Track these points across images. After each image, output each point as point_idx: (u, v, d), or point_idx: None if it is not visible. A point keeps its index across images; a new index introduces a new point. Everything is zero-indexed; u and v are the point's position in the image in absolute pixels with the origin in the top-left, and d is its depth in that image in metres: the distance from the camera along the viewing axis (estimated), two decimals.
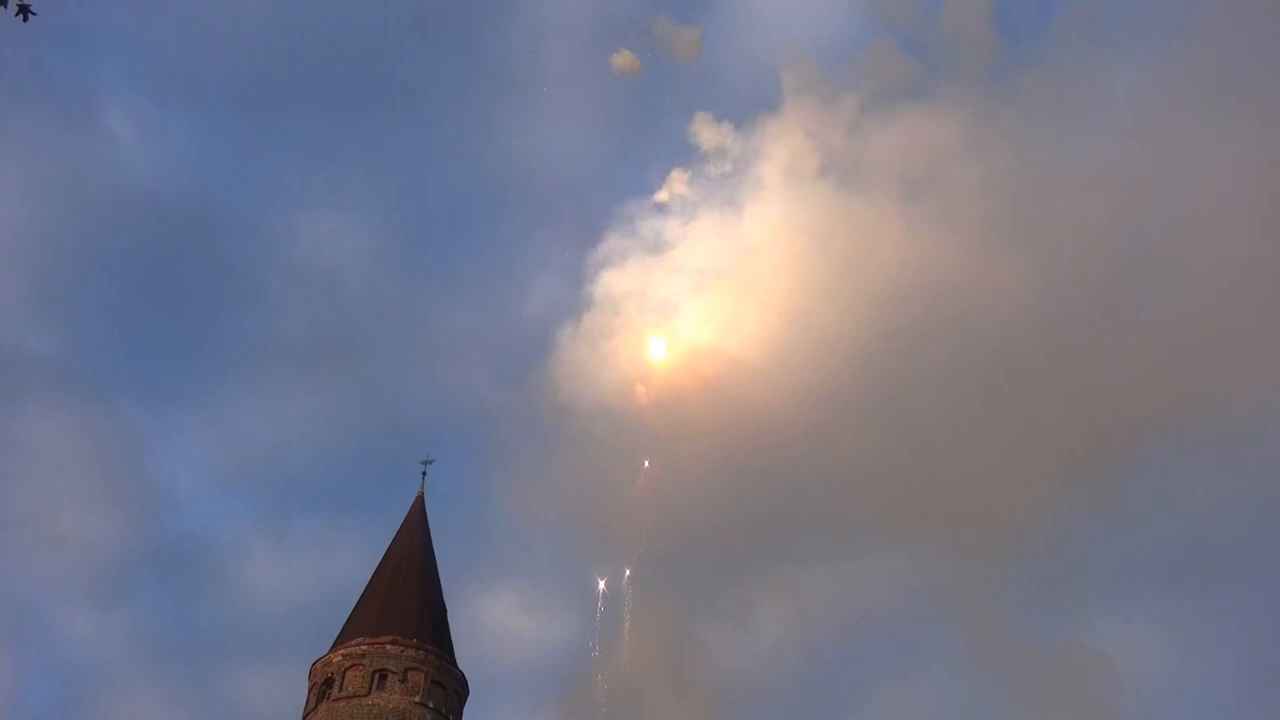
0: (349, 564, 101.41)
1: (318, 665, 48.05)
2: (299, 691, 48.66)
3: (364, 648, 47.25)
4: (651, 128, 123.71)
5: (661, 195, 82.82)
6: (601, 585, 64.88)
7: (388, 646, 47.26)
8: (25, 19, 24.21)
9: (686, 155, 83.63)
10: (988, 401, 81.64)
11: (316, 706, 46.71)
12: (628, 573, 70.22)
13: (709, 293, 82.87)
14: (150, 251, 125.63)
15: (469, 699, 49.74)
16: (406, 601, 50.02)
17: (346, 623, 49.81)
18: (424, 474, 55.23)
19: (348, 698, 46.21)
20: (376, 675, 46.64)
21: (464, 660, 50.53)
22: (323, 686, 47.13)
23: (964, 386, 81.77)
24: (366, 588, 51.48)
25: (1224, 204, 78.67)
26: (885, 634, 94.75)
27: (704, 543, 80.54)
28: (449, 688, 48.33)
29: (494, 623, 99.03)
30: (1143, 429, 79.44)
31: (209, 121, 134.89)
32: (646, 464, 70.37)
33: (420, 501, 54.68)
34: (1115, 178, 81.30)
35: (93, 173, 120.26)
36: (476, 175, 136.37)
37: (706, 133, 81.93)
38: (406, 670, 47.02)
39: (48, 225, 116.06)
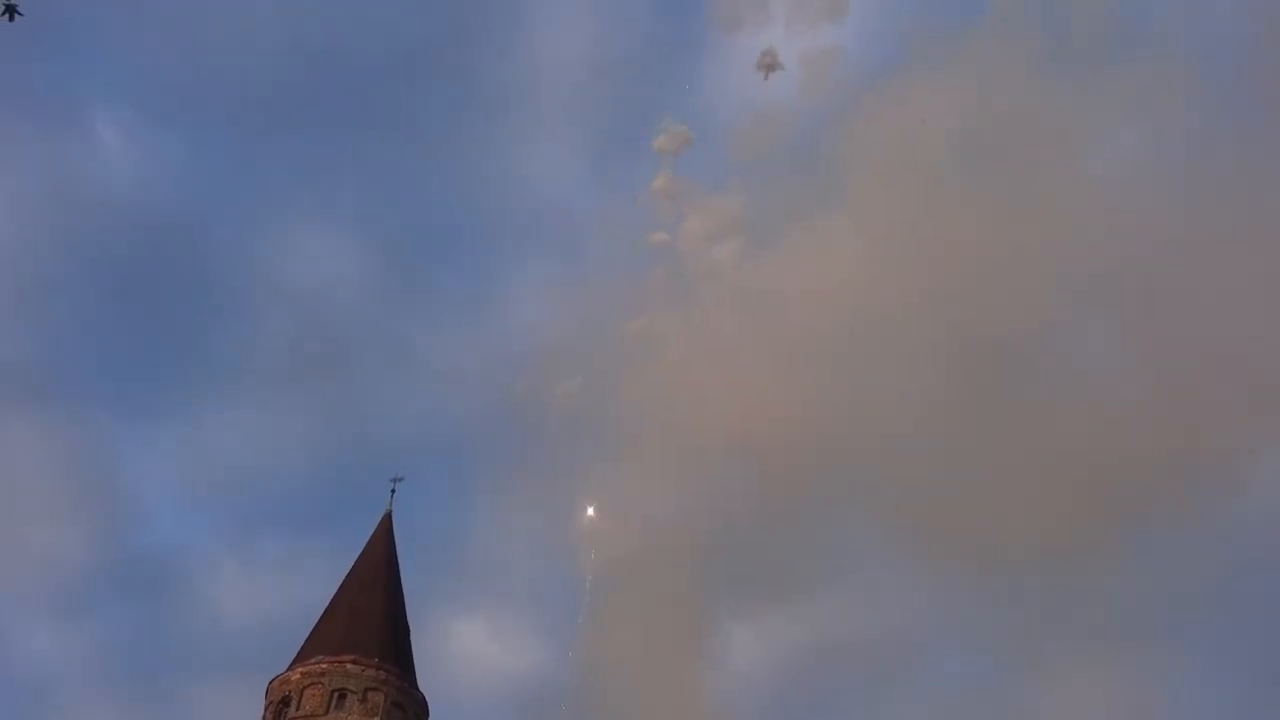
0: (316, 582, 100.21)
1: (275, 683, 47.36)
2: (256, 711, 48.09)
3: (323, 666, 46.63)
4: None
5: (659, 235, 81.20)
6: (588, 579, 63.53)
7: (348, 666, 46.65)
8: (11, 19, 24.33)
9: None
10: (1009, 427, 78.96)
11: None
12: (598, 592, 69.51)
13: (707, 302, 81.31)
14: (134, 264, 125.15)
15: None
16: (369, 620, 49.41)
17: (306, 641, 49.14)
18: (393, 491, 54.64)
19: (305, 717, 45.52)
20: (335, 695, 45.99)
21: (426, 683, 49.98)
22: (279, 705, 46.44)
23: (984, 409, 79.26)
24: (328, 606, 50.86)
25: None
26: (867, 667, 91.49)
27: (681, 563, 78.52)
28: (409, 710, 47.69)
29: (460, 647, 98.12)
30: (1173, 468, 76.55)
31: (199, 136, 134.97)
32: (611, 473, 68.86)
33: (388, 519, 54.15)
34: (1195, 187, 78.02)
35: (79, 182, 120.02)
36: (465, 199, 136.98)
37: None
38: (366, 690, 46.41)
39: (29, 232, 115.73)
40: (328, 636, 48.67)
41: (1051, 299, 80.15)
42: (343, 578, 52.56)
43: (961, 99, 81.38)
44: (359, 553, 53.49)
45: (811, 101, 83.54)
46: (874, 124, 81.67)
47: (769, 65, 75.49)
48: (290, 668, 47.74)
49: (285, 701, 46.42)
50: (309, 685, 46.38)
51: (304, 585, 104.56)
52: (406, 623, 51.45)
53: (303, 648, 48.86)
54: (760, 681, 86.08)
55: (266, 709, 47.14)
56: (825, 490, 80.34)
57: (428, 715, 49.10)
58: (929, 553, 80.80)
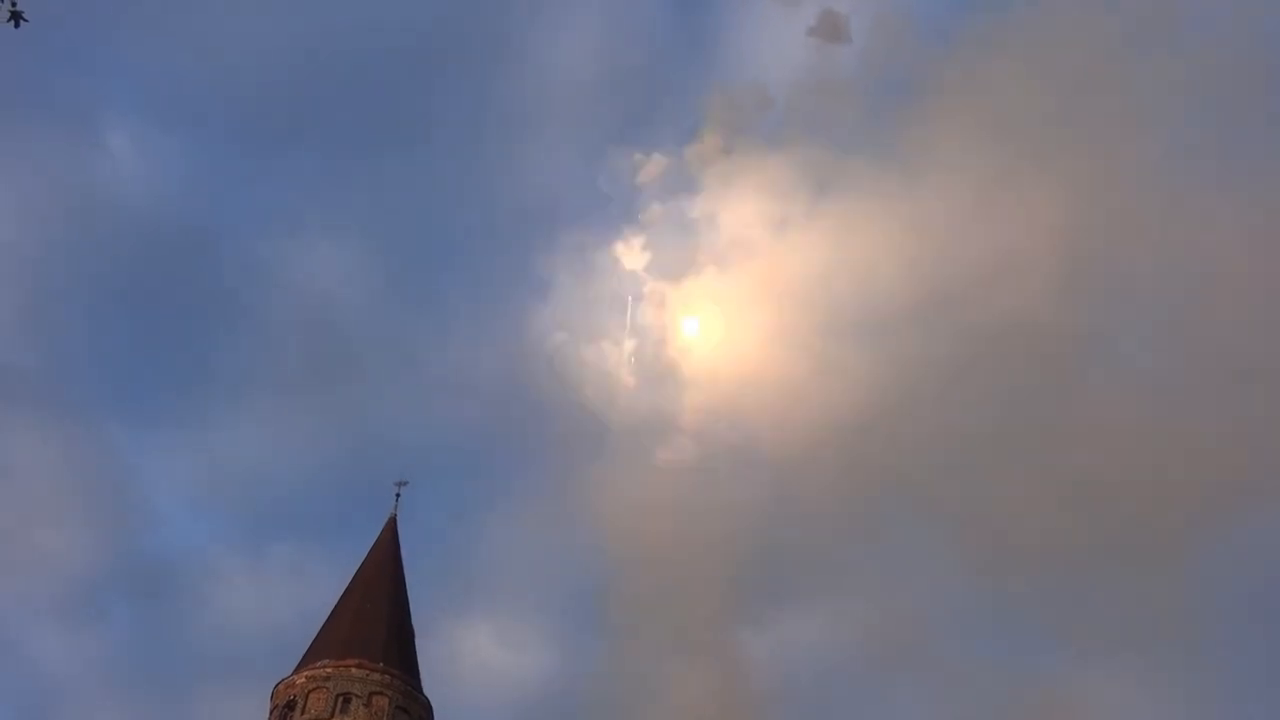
0: (322, 587, 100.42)
1: (280, 687, 47.52)
2: (261, 714, 48.17)
3: (328, 670, 46.75)
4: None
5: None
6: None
7: (352, 670, 46.78)
8: (17, 25, 24.54)
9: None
10: (1058, 423, 76.31)
11: None
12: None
13: (742, 282, 79.15)
14: (144, 272, 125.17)
15: None
16: (373, 624, 49.50)
17: (311, 645, 49.26)
18: (398, 495, 54.73)
19: None
20: (340, 699, 46.09)
21: (431, 687, 50.11)
22: (284, 709, 46.54)
23: (1032, 405, 76.54)
24: (333, 609, 50.96)
25: None
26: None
27: (702, 565, 76.67)
28: (413, 714, 47.76)
29: (466, 651, 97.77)
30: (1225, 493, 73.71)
31: (210, 145, 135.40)
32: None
33: (392, 524, 54.23)
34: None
35: (90, 190, 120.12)
36: (473, 205, 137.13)
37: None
38: (371, 694, 46.53)
39: (39, 239, 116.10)
40: (333, 640, 48.77)
41: (1104, 295, 78.26)
42: (348, 582, 52.69)
43: (1020, 76, 78.61)
44: (364, 557, 53.65)
45: (870, 72, 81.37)
46: (932, 98, 79.60)
47: (830, 31, 73.62)
48: (295, 671, 47.86)
49: (290, 705, 46.53)
50: (314, 689, 46.49)
51: (309, 589, 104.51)
52: (411, 627, 51.53)
53: (308, 652, 48.97)
54: (779, 682, 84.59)
55: (271, 713, 47.25)
56: (863, 486, 78.28)
57: (433, 719, 49.18)
58: (975, 551, 78.57)
